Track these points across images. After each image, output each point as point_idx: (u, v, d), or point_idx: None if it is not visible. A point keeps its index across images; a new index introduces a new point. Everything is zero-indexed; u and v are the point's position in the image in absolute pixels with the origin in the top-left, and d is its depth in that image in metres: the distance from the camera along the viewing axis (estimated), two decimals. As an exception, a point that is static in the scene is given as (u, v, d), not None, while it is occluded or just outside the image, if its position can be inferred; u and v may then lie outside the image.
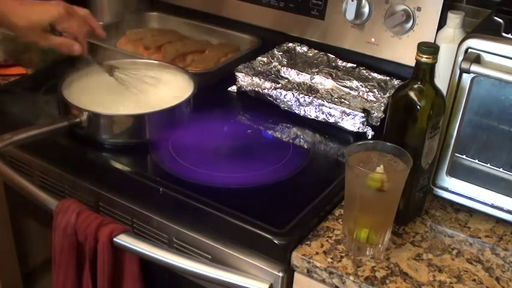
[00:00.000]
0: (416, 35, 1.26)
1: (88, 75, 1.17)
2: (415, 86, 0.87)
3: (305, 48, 1.37)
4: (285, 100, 1.18)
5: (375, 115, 1.13)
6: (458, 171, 0.96)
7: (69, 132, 1.06)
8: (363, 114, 1.12)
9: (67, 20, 1.04)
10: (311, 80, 1.24)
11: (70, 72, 1.15)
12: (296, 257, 0.87)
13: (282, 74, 1.27)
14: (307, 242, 0.89)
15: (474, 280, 0.85)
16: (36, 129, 1.02)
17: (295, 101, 1.17)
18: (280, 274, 0.88)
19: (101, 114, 1.06)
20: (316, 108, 1.16)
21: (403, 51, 1.29)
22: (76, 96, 1.10)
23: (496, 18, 0.93)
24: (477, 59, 0.88)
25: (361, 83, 1.22)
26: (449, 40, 1.08)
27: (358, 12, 1.31)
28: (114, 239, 0.97)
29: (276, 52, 1.35)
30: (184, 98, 1.11)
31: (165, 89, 1.19)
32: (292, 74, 1.27)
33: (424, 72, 0.86)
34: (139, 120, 1.07)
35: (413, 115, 0.87)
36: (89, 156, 1.07)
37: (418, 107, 0.86)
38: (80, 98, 1.10)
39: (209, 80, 1.25)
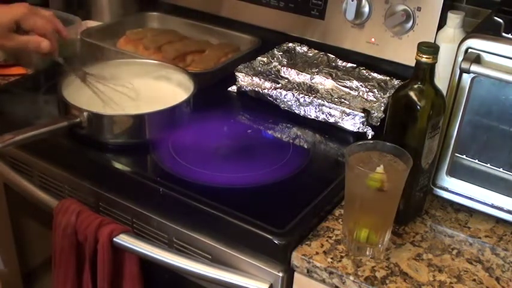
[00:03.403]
0: (416, 35, 1.26)
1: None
2: (415, 86, 0.87)
3: (305, 48, 1.37)
4: (285, 100, 1.18)
5: (375, 115, 1.13)
6: (458, 171, 0.96)
7: (69, 132, 1.06)
8: (363, 114, 1.12)
9: (32, 18, 1.04)
10: (311, 80, 1.24)
11: (70, 73, 1.15)
12: (296, 257, 0.87)
13: (282, 74, 1.27)
14: (307, 242, 0.89)
15: (474, 280, 0.85)
16: (36, 130, 1.02)
17: (295, 101, 1.17)
18: (280, 274, 0.88)
19: (101, 114, 1.05)
20: (316, 108, 1.16)
21: (403, 51, 1.29)
22: (76, 96, 1.10)
23: (496, 18, 0.93)
24: (477, 59, 0.88)
25: (361, 83, 1.22)
26: (449, 40, 1.08)
27: (358, 12, 1.31)
28: (114, 239, 0.97)
29: (276, 52, 1.35)
30: (184, 98, 1.11)
31: (165, 89, 1.19)
32: (292, 74, 1.27)
33: (424, 72, 0.86)
34: (139, 120, 1.07)
35: (413, 115, 0.87)
36: (89, 156, 1.07)
37: (418, 107, 0.86)
38: (80, 98, 1.10)
39: (209, 80, 1.25)
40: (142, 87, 1.19)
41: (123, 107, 1.11)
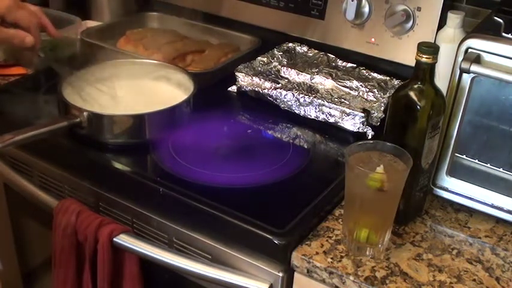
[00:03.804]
0: (416, 35, 1.26)
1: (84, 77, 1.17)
2: (415, 86, 0.87)
3: (305, 48, 1.37)
4: (285, 100, 1.18)
5: (374, 115, 1.13)
6: (458, 171, 0.96)
7: (69, 132, 1.06)
8: (363, 114, 1.12)
9: (16, 11, 1.03)
10: (311, 80, 1.24)
11: (70, 72, 1.15)
12: (296, 257, 0.87)
13: (282, 74, 1.27)
14: (307, 242, 0.89)
15: (474, 280, 0.85)
16: (36, 130, 1.02)
17: (295, 101, 1.17)
18: (280, 274, 0.88)
19: (101, 114, 1.05)
20: (316, 108, 1.16)
21: (403, 51, 1.29)
22: (76, 96, 1.10)
23: (496, 18, 0.93)
24: (477, 59, 0.88)
25: (361, 83, 1.22)
26: (449, 40, 1.08)
27: (358, 12, 1.31)
28: (114, 239, 0.97)
29: (276, 52, 1.35)
30: (184, 98, 1.11)
31: (165, 89, 1.19)
32: (292, 74, 1.27)
33: (424, 72, 0.86)
34: (139, 120, 1.07)
35: (413, 115, 0.87)
36: (89, 156, 1.07)
37: (418, 107, 0.86)
38: (80, 97, 1.10)
39: (209, 80, 1.25)
40: (141, 87, 1.19)
41: (130, 108, 1.11)
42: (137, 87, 1.19)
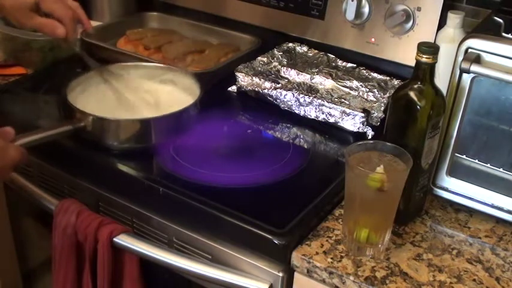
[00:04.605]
0: (416, 35, 1.26)
1: (93, 78, 1.16)
2: (415, 86, 0.87)
3: (305, 48, 1.37)
4: (285, 100, 1.18)
5: (375, 115, 1.13)
6: (458, 171, 0.96)
7: (72, 134, 1.06)
8: (363, 114, 1.12)
9: (51, 1, 1.03)
10: (311, 80, 1.24)
11: (75, 76, 1.13)
12: (296, 257, 0.87)
13: (282, 74, 1.27)
14: (307, 242, 0.89)
15: (474, 280, 0.85)
16: (40, 133, 0.99)
17: (295, 101, 1.17)
18: (280, 274, 0.88)
19: (106, 119, 1.04)
20: (316, 108, 1.16)
21: (403, 51, 1.29)
22: (79, 100, 1.09)
23: (496, 18, 0.93)
24: (477, 59, 0.88)
25: (361, 83, 1.22)
26: (449, 40, 1.08)
27: (358, 12, 1.31)
28: (114, 239, 0.97)
29: (276, 52, 1.35)
30: (190, 102, 1.09)
31: (171, 92, 1.18)
32: (292, 74, 1.27)
33: (424, 72, 0.86)
34: (145, 124, 1.05)
35: (413, 115, 0.87)
36: (89, 157, 1.06)
37: (418, 107, 0.86)
38: (85, 101, 1.09)
39: (209, 80, 1.25)
40: (147, 90, 1.18)
41: (138, 111, 1.10)
42: (143, 90, 1.18)
